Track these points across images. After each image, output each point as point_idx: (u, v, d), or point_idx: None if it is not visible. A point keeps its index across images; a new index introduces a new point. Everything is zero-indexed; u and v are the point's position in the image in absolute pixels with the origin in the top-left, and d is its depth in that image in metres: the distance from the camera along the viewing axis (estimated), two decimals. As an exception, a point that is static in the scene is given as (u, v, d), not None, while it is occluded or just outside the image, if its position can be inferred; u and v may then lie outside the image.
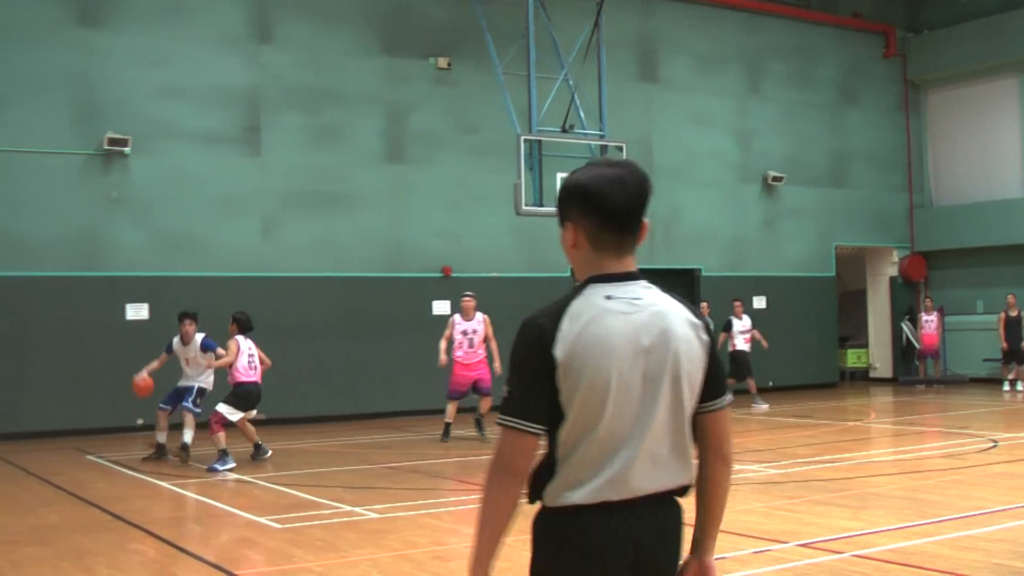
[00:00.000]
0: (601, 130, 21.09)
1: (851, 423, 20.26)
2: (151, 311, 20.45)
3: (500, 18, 22.23)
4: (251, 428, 15.56)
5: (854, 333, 31.60)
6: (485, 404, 17.82)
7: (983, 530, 9.62)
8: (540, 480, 3.35)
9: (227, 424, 15.16)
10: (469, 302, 18.10)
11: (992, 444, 15.56)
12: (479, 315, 18.02)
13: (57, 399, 19.73)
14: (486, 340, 17.93)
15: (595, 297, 3.34)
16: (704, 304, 23.91)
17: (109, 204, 20.44)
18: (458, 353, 17.82)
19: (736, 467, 13.69)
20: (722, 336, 22.87)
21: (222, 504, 12.07)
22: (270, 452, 15.79)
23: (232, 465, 14.84)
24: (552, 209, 19.91)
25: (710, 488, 3.52)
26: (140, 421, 19.65)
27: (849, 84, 30.08)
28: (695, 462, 3.46)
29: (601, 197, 3.36)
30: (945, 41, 30.29)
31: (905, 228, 30.77)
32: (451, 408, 17.83)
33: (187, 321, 15.85)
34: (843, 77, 29.97)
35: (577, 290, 3.39)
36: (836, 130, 29.68)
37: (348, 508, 11.50)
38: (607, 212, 3.36)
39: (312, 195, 22.17)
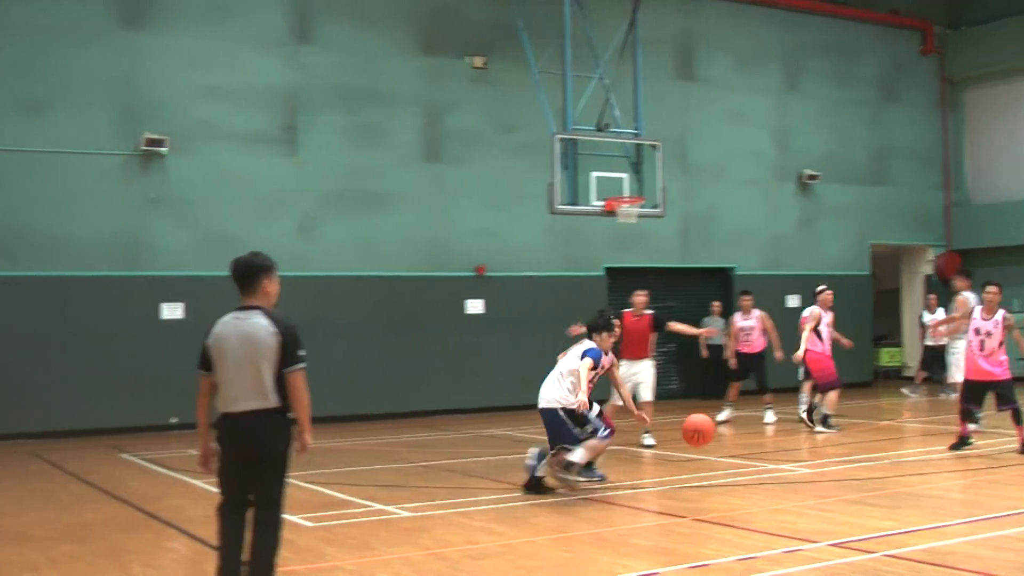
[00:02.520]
0: (636, 129, 21.07)
1: (884, 422, 20.17)
2: (187, 310, 20.57)
3: (537, 17, 22.24)
4: None
5: (889, 332, 31.43)
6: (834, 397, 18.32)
7: (1017, 530, 9.57)
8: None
9: None
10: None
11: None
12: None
13: (95, 398, 19.91)
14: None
15: (229, 316, 7.22)
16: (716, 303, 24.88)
17: (148, 204, 20.61)
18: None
19: (769, 466, 13.67)
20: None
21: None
22: None
23: None
24: (587, 207, 20.03)
25: (294, 405, 7.23)
26: (175, 420, 19.79)
27: (888, 81, 29.94)
28: (275, 396, 7.16)
29: (233, 270, 7.27)
30: (984, 38, 30.12)
31: (942, 226, 30.61)
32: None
33: None
34: (882, 74, 29.84)
35: (230, 313, 7.24)
36: (874, 127, 29.55)
37: (381, 507, 11.55)
38: (235, 279, 7.25)
39: (349, 194, 22.27)
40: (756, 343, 19.92)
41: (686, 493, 12.31)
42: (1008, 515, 10.25)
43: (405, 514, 11.12)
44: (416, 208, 22.88)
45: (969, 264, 29.77)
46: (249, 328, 7.10)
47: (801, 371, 19.09)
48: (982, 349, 14.64)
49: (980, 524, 9.88)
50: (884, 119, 29.79)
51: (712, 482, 12.98)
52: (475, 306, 23.30)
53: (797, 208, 27.96)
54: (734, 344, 20.10)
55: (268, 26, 21.86)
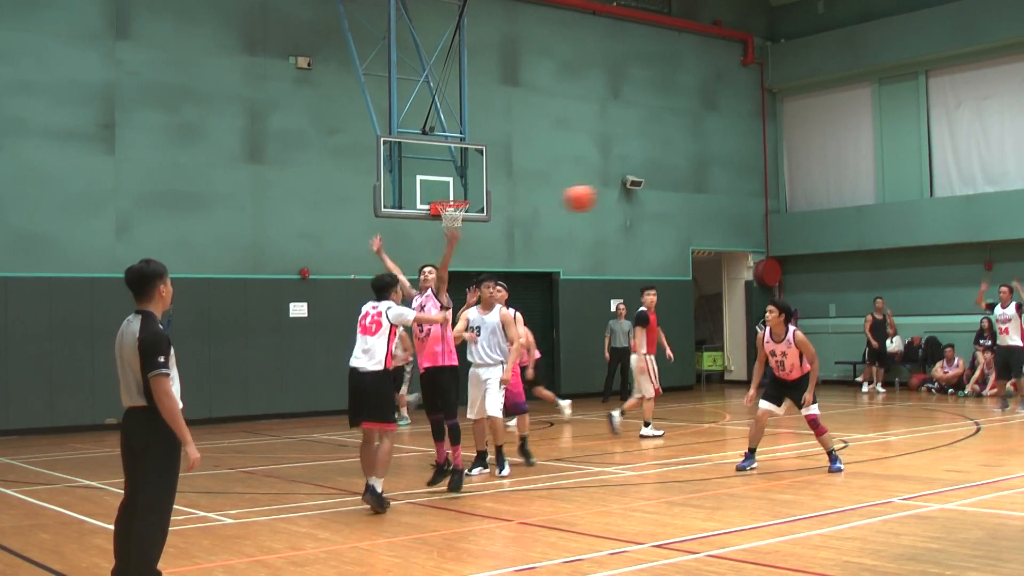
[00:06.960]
0: (461, 133, 21.07)
1: (707, 425, 20.51)
2: (-2, 312, 19.88)
3: (361, 18, 22.07)
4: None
5: (710, 336, 32.04)
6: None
7: (834, 528, 9.78)
8: None
9: None
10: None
11: (843, 444, 15.86)
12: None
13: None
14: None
15: (126, 320, 7.42)
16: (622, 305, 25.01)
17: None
18: None
19: (593, 469, 13.73)
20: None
21: (72, 512, 11.74)
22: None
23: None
24: (412, 211, 19.92)
25: (160, 411, 7.23)
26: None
27: (709, 90, 30.49)
28: (143, 397, 7.26)
29: (127, 278, 7.38)
30: (802, 50, 30.93)
31: (761, 233, 31.30)
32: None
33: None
34: (703, 83, 30.37)
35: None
36: (695, 135, 30.05)
37: (203, 514, 11.29)
38: (128, 286, 7.39)
39: (169, 194, 21.76)
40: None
41: (511, 496, 12.30)
42: (824, 514, 10.48)
43: (228, 521, 10.89)
44: (237, 209, 22.48)
45: (786, 271, 30.61)
46: (127, 331, 7.36)
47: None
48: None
49: (798, 523, 10.07)
50: (705, 127, 30.33)
51: (537, 485, 13.01)
52: (299, 309, 22.99)
53: (620, 214, 28.28)
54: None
55: (82, 19, 21.19)
